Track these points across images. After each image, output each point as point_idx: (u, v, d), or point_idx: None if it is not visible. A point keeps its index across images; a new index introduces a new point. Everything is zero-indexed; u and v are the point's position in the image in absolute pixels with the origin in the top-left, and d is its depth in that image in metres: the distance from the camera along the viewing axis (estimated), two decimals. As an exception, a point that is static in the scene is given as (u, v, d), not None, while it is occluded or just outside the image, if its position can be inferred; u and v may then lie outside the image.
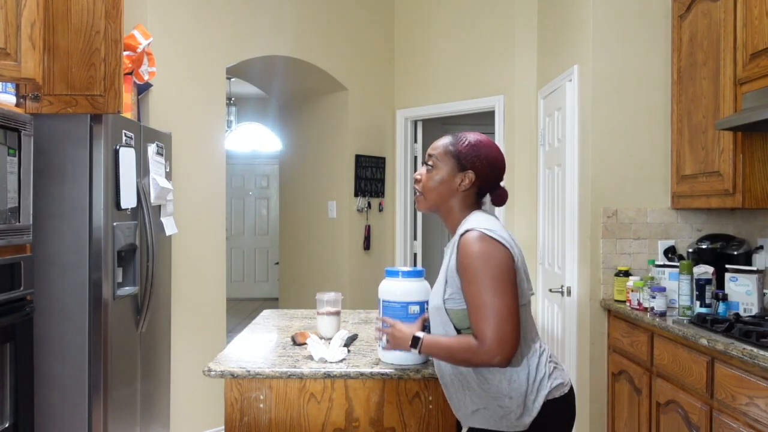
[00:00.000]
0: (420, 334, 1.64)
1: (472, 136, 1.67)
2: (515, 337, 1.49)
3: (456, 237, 1.58)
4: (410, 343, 1.64)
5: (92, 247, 2.53)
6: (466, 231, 1.55)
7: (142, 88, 3.30)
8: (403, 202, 5.05)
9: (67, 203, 2.53)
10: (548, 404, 1.55)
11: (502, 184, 1.72)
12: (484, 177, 1.65)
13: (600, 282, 3.19)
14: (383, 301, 1.81)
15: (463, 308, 1.55)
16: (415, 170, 5.14)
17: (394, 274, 1.82)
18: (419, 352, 1.64)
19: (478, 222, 1.57)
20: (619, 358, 3.03)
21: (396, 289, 1.80)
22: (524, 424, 1.54)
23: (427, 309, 1.73)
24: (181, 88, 3.65)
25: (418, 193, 1.71)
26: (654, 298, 2.76)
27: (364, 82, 4.84)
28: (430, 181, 1.67)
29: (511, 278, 1.51)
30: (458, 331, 1.57)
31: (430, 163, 1.68)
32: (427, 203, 1.69)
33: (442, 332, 1.60)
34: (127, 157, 2.67)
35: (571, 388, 1.64)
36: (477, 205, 1.68)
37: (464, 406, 1.62)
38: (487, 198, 1.72)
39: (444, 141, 1.69)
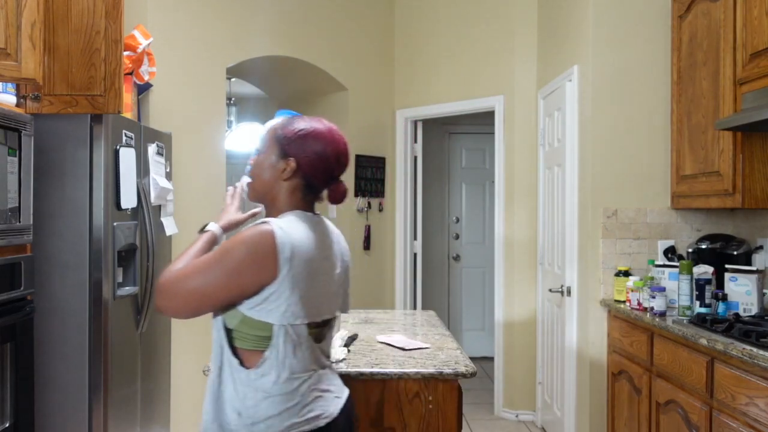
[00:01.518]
0: (211, 227, 1.50)
1: (305, 122, 1.45)
2: (181, 309, 1.34)
3: None
4: (201, 227, 1.51)
5: (92, 247, 2.53)
6: (261, 222, 1.35)
7: (142, 88, 3.30)
8: (404, 202, 5.04)
9: (67, 203, 2.53)
10: None
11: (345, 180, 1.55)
12: (308, 168, 1.43)
13: (600, 282, 3.20)
14: None
15: (236, 310, 1.38)
16: (416, 170, 5.14)
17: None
18: None
19: (284, 221, 1.37)
20: (619, 358, 3.03)
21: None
22: None
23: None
24: (181, 88, 3.65)
25: (250, 180, 1.51)
26: (654, 298, 2.76)
27: (364, 82, 4.84)
28: (257, 166, 1.47)
29: (243, 281, 1.31)
30: (228, 330, 1.41)
31: (258, 146, 1.49)
32: (253, 191, 1.50)
33: (215, 333, 1.45)
34: (128, 157, 2.67)
35: (333, 422, 1.41)
36: (305, 202, 1.47)
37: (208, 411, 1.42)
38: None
39: (274, 122, 1.48)
